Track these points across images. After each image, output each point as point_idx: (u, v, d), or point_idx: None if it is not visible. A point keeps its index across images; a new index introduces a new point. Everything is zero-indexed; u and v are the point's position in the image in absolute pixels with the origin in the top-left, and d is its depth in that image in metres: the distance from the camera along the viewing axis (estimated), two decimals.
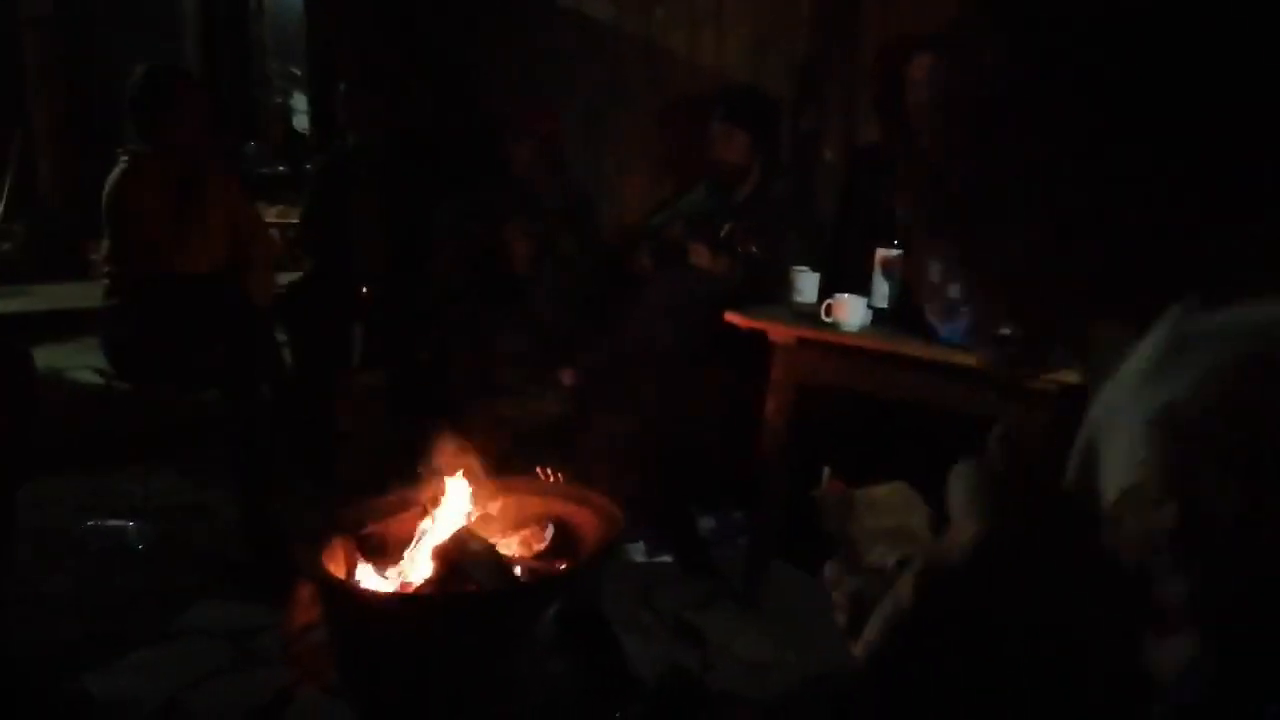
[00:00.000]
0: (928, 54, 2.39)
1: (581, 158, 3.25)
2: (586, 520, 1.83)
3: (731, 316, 2.25)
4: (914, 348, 1.97)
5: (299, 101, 5.85)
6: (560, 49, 3.43)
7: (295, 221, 4.24)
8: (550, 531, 1.80)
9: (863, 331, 2.08)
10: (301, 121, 5.76)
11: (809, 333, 2.17)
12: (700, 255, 2.62)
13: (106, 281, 2.65)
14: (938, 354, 1.93)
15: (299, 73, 5.83)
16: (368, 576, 1.72)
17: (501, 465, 1.93)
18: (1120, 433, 0.49)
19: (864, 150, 2.84)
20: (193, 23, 5.58)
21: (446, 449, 1.78)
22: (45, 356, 3.47)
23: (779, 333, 2.22)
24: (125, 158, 2.60)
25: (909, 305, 2.07)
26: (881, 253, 2.14)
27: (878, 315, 2.11)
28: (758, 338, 2.22)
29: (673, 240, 2.70)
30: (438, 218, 3.03)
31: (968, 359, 1.86)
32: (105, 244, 2.65)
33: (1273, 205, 0.52)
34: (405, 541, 1.76)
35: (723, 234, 2.65)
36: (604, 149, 3.35)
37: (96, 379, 2.72)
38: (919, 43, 2.45)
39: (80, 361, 3.51)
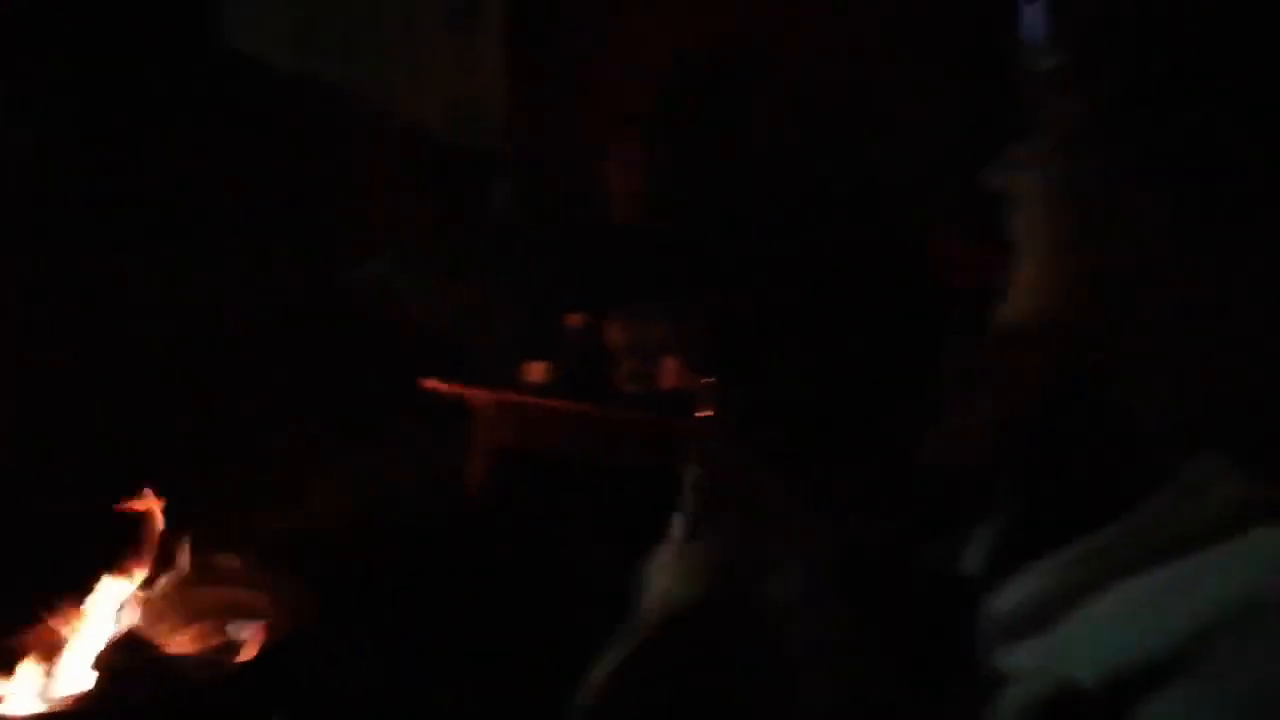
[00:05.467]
0: (633, 132, 2.55)
1: (272, 215, 3.11)
2: (270, 609, 1.74)
3: (431, 382, 2.25)
4: (597, 407, 2.08)
5: None
6: (239, 107, 3.26)
7: None
8: (235, 626, 1.70)
9: (552, 393, 2.15)
10: None
11: (505, 395, 2.21)
12: (396, 315, 2.60)
13: None
14: (618, 412, 2.05)
15: None
16: (7, 695, 1.52)
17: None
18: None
19: (561, 214, 2.95)
20: None
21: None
22: None
23: (478, 397, 2.25)
24: None
25: (594, 368, 2.17)
26: (570, 318, 2.24)
27: (566, 378, 2.20)
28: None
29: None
30: None
31: (646, 417, 1.99)
32: None
33: None
34: (54, 651, 1.58)
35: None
36: (299, 208, 3.23)
37: None
38: (625, 120, 2.60)
39: None
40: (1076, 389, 0.60)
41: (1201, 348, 0.48)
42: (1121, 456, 0.56)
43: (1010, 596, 0.58)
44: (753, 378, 2.06)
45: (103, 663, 1.53)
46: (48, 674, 1.55)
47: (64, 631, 1.59)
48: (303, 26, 3.32)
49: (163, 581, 1.68)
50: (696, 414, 2.15)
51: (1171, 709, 0.43)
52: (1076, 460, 0.62)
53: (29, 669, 1.55)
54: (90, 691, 1.52)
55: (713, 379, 2.13)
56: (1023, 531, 0.61)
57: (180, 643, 1.66)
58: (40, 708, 1.51)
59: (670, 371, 2.09)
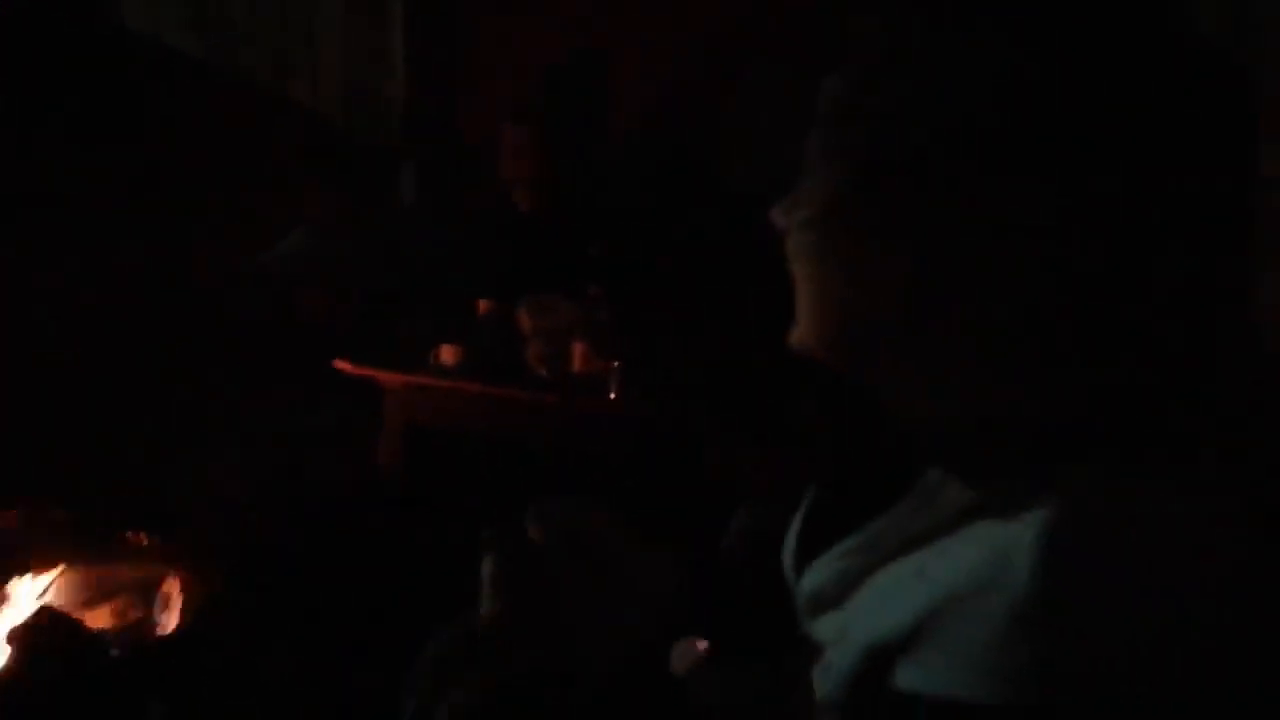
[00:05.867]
0: (522, 125, 2.60)
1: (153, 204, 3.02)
2: (184, 581, 1.77)
3: (341, 363, 2.29)
4: (509, 389, 2.17)
5: None
6: (134, 89, 3.18)
7: None
8: (153, 597, 1.72)
9: (464, 375, 2.23)
10: None
11: (417, 378, 2.28)
12: (310, 301, 2.62)
13: None
14: (529, 394, 2.14)
15: None
16: None
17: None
18: (974, 639, 0.50)
19: (465, 202, 3.01)
20: None
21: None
22: None
23: (389, 378, 2.30)
24: None
25: (505, 351, 2.26)
26: (481, 303, 2.32)
27: (478, 360, 2.28)
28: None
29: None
30: None
31: (554, 399, 2.09)
32: None
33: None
34: None
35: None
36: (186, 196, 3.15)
37: None
38: (513, 114, 2.66)
39: None
40: (852, 403, 0.73)
41: (936, 381, 0.59)
42: (888, 462, 0.69)
43: (813, 578, 0.69)
44: (656, 362, 2.19)
45: (17, 638, 1.54)
46: None
47: None
48: (201, 11, 3.27)
49: (77, 559, 1.69)
50: (609, 396, 2.26)
51: (914, 673, 0.54)
52: (855, 463, 0.76)
53: None
54: (6, 666, 1.52)
55: (619, 363, 2.25)
56: (820, 522, 0.73)
57: (96, 619, 1.68)
58: None
59: (578, 355, 2.19)
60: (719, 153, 2.87)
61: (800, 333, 0.66)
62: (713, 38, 2.82)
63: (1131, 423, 0.54)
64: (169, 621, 1.70)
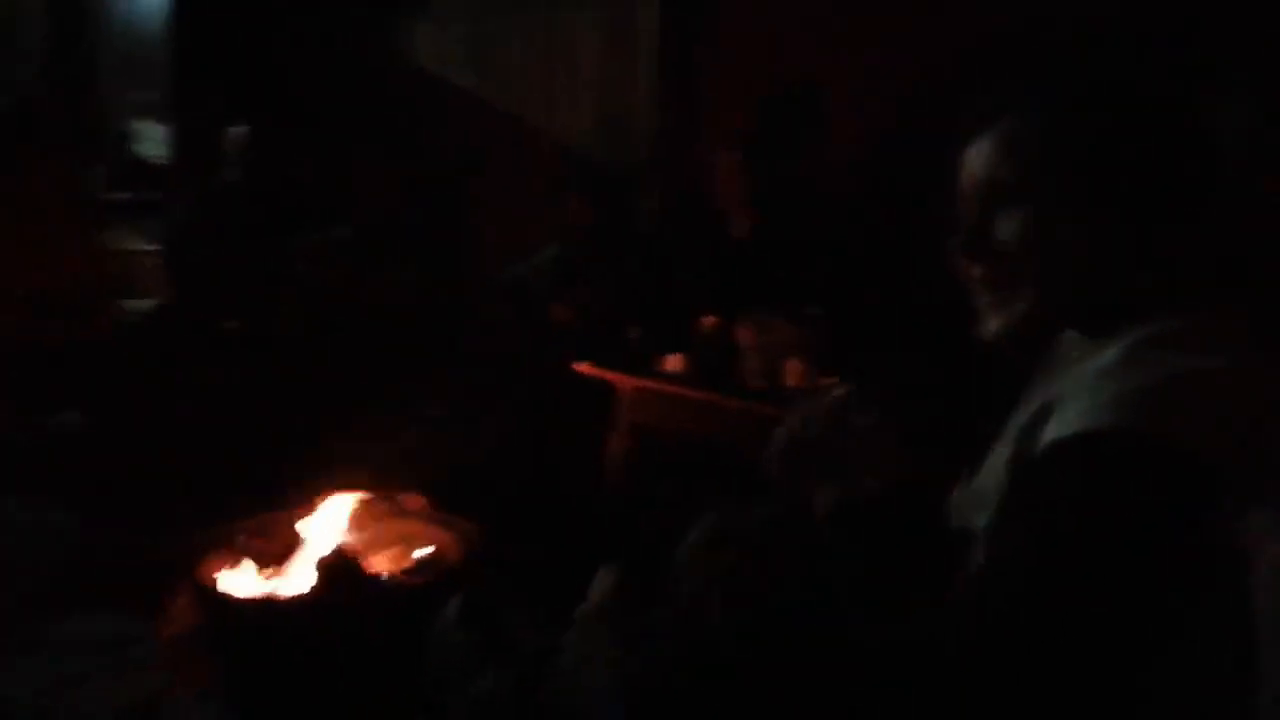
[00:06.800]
0: (734, 151, 2.82)
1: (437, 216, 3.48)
2: (448, 541, 2.09)
3: (580, 366, 2.58)
4: (725, 399, 2.37)
5: (148, 128, 5.73)
6: (419, 112, 3.66)
7: (146, 249, 4.30)
8: (419, 552, 2.05)
9: (687, 383, 2.45)
10: (150, 149, 5.66)
11: (646, 383, 2.53)
12: (558, 312, 2.96)
13: None
14: (745, 404, 2.33)
15: (148, 98, 5.75)
16: (244, 585, 1.91)
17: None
18: (1078, 402, 0.81)
19: (695, 223, 3.25)
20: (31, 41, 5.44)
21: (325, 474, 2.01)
22: None
23: (621, 381, 2.57)
24: None
25: (725, 363, 2.46)
26: (705, 319, 2.54)
27: (698, 370, 2.49)
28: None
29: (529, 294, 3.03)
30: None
31: (768, 409, 2.26)
32: None
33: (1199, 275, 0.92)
34: (283, 556, 1.97)
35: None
36: (461, 211, 3.59)
37: None
38: (725, 140, 2.88)
39: None
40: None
41: (1104, 295, 0.94)
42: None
43: (978, 479, 1.00)
44: (873, 380, 2.31)
45: (322, 567, 1.90)
46: (275, 571, 1.94)
47: (283, 539, 1.98)
48: (477, 49, 3.72)
49: (368, 510, 2.05)
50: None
51: (1048, 432, 0.84)
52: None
53: (264, 568, 1.94)
54: (312, 590, 1.89)
55: (833, 379, 2.39)
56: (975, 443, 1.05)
57: (376, 562, 2.03)
58: (265, 592, 1.89)
59: (793, 372, 2.36)
60: (934, 180, 2.92)
61: (1011, 316, 0.94)
62: (930, 68, 2.89)
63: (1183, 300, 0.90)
64: (432, 572, 2.03)
